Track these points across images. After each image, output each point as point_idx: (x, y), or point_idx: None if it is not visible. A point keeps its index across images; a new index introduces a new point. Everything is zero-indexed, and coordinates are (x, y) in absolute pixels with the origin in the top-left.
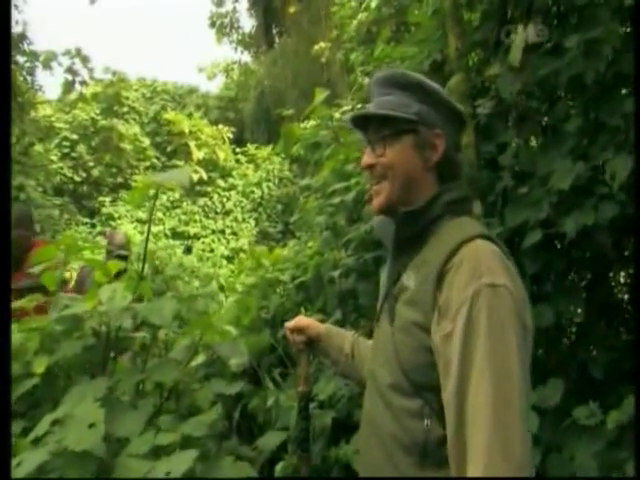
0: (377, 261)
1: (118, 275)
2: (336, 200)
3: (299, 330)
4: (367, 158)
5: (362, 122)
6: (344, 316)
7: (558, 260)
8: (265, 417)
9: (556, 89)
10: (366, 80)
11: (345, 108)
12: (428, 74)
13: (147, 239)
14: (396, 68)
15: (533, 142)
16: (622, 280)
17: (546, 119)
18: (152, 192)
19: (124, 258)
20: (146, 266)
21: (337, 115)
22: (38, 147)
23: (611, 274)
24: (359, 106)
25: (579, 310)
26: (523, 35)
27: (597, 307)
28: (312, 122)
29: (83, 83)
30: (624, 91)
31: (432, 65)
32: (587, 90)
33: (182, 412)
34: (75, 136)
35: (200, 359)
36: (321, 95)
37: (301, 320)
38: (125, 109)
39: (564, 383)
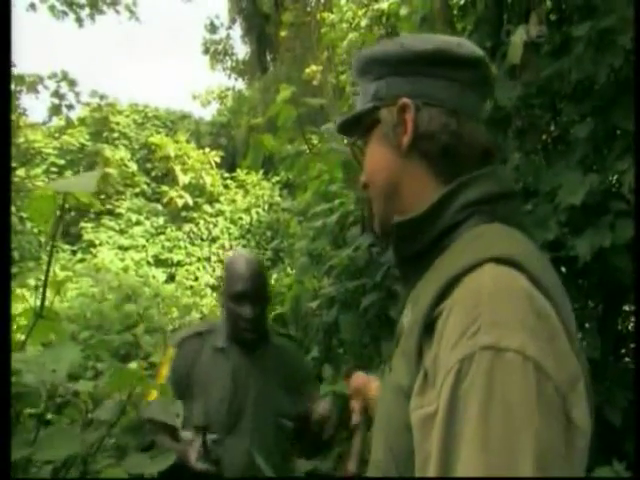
0: (362, 290)
1: None
2: (318, 223)
3: (357, 392)
4: (361, 178)
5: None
6: (326, 352)
7: (567, 288)
8: None
9: (561, 92)
10: (355, 99)
11: (329, 125)
12: None
13: (49, 263)
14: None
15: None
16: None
17: (551, 127)
18: (59, 202)
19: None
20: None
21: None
22: (20, 172)
23: (627, 307)
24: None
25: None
26: (523, 31)
27: (612, 342)
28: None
29: (70, 107)
30: None
31: None
32: (599, 91)
33: None
34: (63, 161)
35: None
36: (286, 92)
37: (359, 378)
38: (115, 134)
39: None
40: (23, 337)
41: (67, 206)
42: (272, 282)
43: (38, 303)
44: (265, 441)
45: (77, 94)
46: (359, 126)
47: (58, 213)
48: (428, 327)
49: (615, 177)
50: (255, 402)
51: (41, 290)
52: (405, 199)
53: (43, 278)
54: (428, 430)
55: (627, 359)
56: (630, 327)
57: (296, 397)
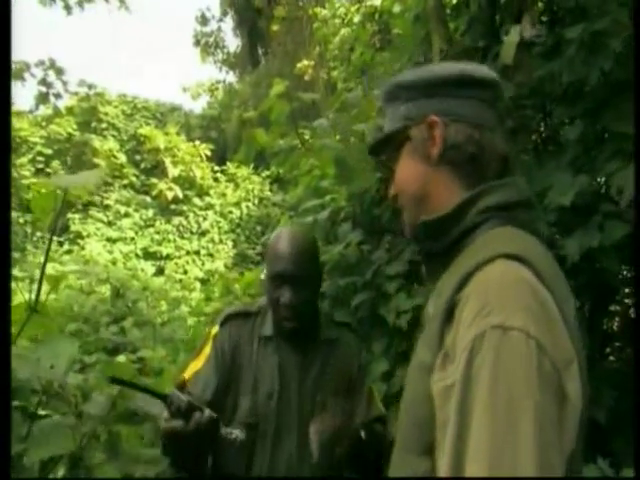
0: (354, 286)
1: None
2: (309, 219)
3: None
4: (389, 191)
5: (377, 155)
6: None
7: None
8: None
9: (553, 94)
10: (347, 95)
11: (322, 120)
12: None
13: (46, 258)
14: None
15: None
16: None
17: (542, 128)
18: (59, 198)
19: None
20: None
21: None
22: None
23: (612, 307)
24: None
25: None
26: (517, 30)
27: (599, 341)
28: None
29: (57, 96)
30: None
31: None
32: (589, 93)
33: None
34: (50, 151)
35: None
36: (279, 86)
37: None
38: (103, 125)
39: None
40: (15, 332)
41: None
42: (262, 277)
43: (29, 298)
44: (307, 449)
45: (65, 83)
46: (389, 145)
47: (57, 209)
48: (449, 314)
49: (604, 179)
50: (301, 402)
51: (36, 285)
52: (433, 204)
53: (35, 270)
54: (448, 398)
55: (612, 358)
56: (615, 327)
57: (345, 399)
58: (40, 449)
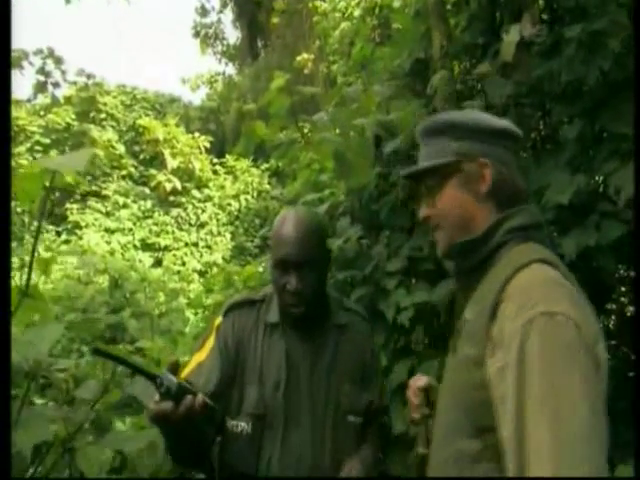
0: (351, 281)
1: None
2: None
3: (418, 389)
4: (421, 212)
5: (414, 178)
6: None
7: None
8: None
9: (551, 92)
10: (347, 89)
11: (322, 114)
12: (409, 74)
13: (36, 242)
14: (432, 117)
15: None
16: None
17: (540, 127)
18: (46, 181)
19: None
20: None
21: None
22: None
23: (609, 305)
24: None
25: None
26: (517, 29)
27: None
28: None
29: (56, 85)
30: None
31: (414, 64)
32: (588, 92)
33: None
34: (48, 140)
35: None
36: (280, 80)
37: (420, 379)
38: (102, 115)
39: None
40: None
41: (52, 185)
42: (260, 270)
43: (23, 282)
44: (327, 439)
45: (63, 72)
46: (437, 173)
47: (44, 192)
48: (493, 312)
49: (602, 178)
50: (311, 391)
51: (27, 269)
52: (469, 228)
53: (29, 257)
54: (502, 377)
55: (608, 356)
56: (611, 325)
57: (360, 387)
58: (26, 435)
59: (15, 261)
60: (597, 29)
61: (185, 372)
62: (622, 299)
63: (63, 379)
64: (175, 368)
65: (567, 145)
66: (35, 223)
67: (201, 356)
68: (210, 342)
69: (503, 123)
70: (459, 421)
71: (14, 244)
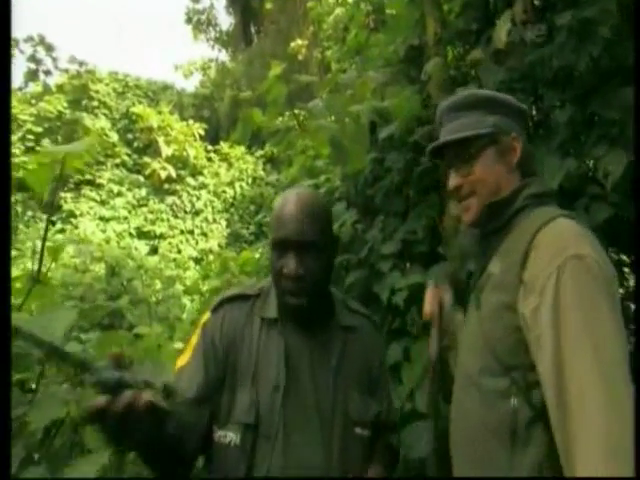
0: (347, 265)
1: None
2: None
3: (434, 299)
4: (453, 181)
5: (437, 150)
6: None
7: None
8: None
9: (543, 78)
10: (341, 76)
11: (317, 101)
12: (404, 61)
13: (46, 229)
14: (459, 93)
15: None
16: None
17: (533, 112)
18: (57, 169)
19: None
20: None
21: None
22: None
23: None
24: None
25: None
26: (509, 15)
27: None
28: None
29: (47, 73)
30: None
31: (408, 51)
32: (579, 78)
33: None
34: (40, 129)
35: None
36: (277, 69)
37: (434, 289)
38: (95, 103)
39: None
40: (19, 301)
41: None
42: (257, 256)
43: (32, 269)
44: (335, 453)
45: (55, 60)
46: (476, 143)
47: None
48: (524, 260)
49: (592, 162)
50: (317, 397)
51: (37, 256)
52: (498, 194)
53: (40, 244)
54: (536, 317)
55: None
56: None
57: (368, 396)
58: (41, 414)
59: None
60: (587, 17)
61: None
62: None
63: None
64: (119, 360)
65: (558, 130)
66: (29, 213)
67: (184, 358)
68: (194, 341)
69: (522, 105)
70: (487, 363)
71: None
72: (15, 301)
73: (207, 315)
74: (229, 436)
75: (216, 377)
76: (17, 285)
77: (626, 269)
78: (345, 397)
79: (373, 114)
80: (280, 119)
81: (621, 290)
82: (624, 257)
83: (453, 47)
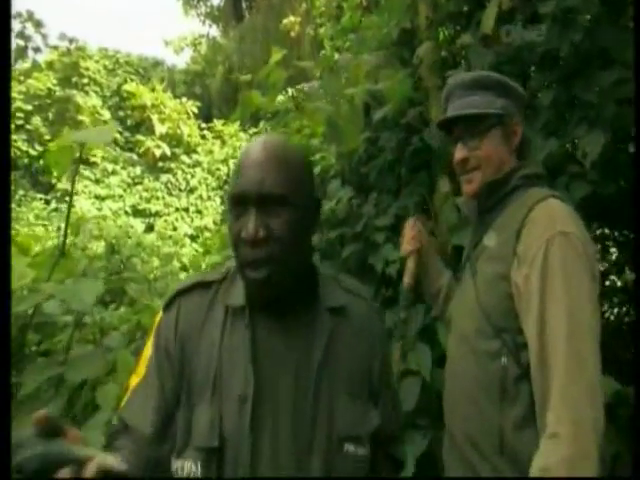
0: (342, 240)
1: None
2: None
3: (412, 233)
4: (460, 153)
5: (447, 123)
6: None
7: None
8: None
9: (530, 62)
10: (336, 55)
11: (313, 83)
12: (397, 44)
13: (69, 208)
14: (471, 72)
15: None
16: None
17: None
18: (76, 153)
19: None
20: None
21: (306, 88)
22: None
23: None
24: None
25: None
26: (496, 2)
27: None
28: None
29: (37, 50)
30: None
31: (401, 34)
32: (563, 63)
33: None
34: (30, 107)
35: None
36: (277, 55)
37: (419, 218)
38: (85, 80)
39: None
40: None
41: (35, 153)
42: None
43: (58, 243)
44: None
45: (44, 36)
46: (484, 121)
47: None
48: (518, 234)
49: (572, 143)
50: (299, 404)
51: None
52: (499, 172)
53: (64, 221)
54: (527, 283)
55: None
56: None
57: (363, 403)
58: (76, 372)
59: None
60: (569, 6)
61: (121, 406)
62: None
63: (90, 332)
64: (48, 427)
65: (542, 111)
66: (20, 192)
67: (136, 376)
68: (146, 353)
69: (524, 92)
70: (481, 326)
71: None
72: (40, 275)
73: (159, 315)
74: (186, 467)
75: (174, 396)
76: (40, 259)
77: (609, 242)
78: (330, 403)
79: (367, 96)
80: (278, 100)
81: (605, 263)
82: (607, 231)
83: (444, 29)
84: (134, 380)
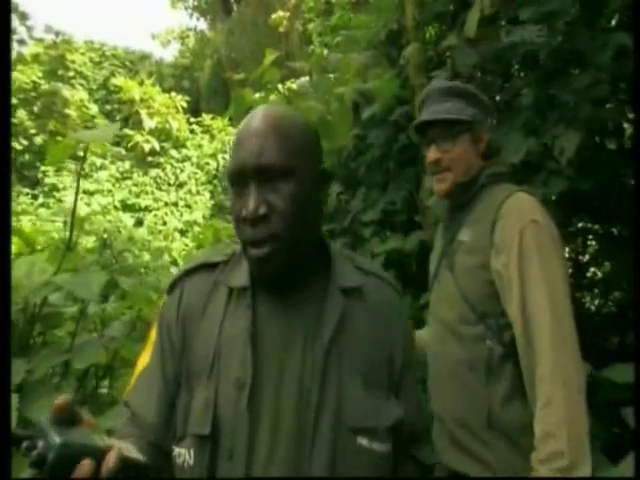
0: (331, 235)
1: None
2: None
3: None
4: (434, 154)
5: (423, 125)
6: None
7: None
8: None
9: (511, 64)
10: (325, 51)
11: (303, 80)
12: (384, 44)
13: (75, 204)
14: (445, 81)
15: None
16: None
17: (501, 94)
18: (81, 151)
19: None
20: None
21: (294, 86)
22: None
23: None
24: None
25: None
26: (479, 6)
27: None
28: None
29: (21, 42)
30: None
31: (388, 35)
32: (543, 64)
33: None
34: (15, 100)
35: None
36: (271, 56)
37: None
38: (71, 73)
39: None
40: (50, 267)
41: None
42: None
43: (64, 237)
44: (321, 473)
45: (29, 29)
46: (455, 127)
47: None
48: (493, 225)
49: (551, 140)
50: (302, 394)
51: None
52: (469, 175)
53: (70, 217)
54: (506, 269)
55: None
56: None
57: (382, 393)
58: (81, 359)
59: None
60: (548, 11)
61: (127, 391)
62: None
63: (92, 321)
64: (66, 414)
65: (522, 111)
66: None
67: (143, 360)
68: (152, 337)
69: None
70: (463, 313)
71: None
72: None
73: (163, 298)
74: (182, 454)
75: (175, 380)
76: (46, 253)
77: (589, 236)
78: (339, 390)
79: (356, 95)
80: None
81: (587, 255)
82: (589, 225)
83: (430, 28)
84: (140, 364)
